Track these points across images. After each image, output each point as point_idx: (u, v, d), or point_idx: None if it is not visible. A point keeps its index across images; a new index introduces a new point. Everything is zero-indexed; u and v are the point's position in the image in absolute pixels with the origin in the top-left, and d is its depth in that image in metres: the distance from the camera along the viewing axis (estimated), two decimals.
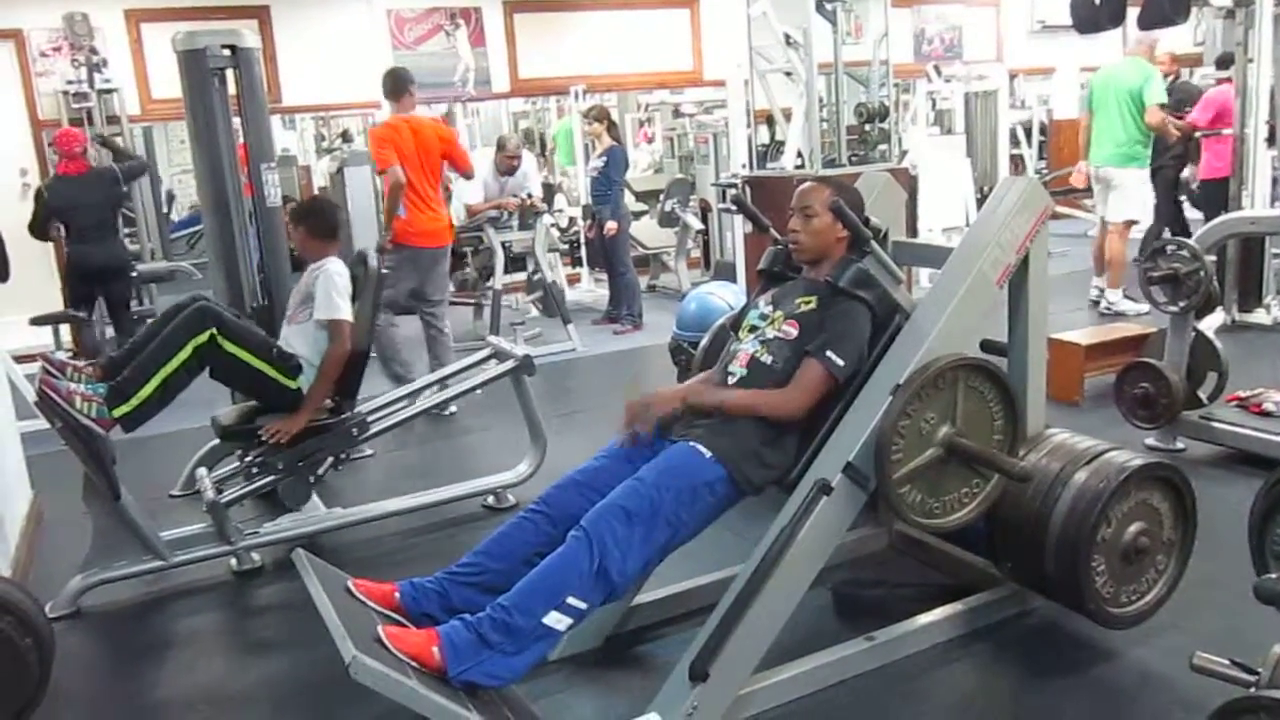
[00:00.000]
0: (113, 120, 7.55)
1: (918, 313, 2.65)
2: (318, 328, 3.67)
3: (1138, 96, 6.39)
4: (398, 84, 5.51)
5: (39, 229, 6.18)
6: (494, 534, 2.58)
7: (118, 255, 6.32)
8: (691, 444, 2.52)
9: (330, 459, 3.73)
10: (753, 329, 2.79)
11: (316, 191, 9.74)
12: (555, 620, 2.28)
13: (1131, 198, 6.59)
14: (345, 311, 3.68)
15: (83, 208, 6.12)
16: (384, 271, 3.94)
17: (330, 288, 3.68)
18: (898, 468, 2.44)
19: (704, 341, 3.44)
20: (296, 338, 3.71)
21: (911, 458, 2.47)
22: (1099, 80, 6.72)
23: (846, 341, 2.58)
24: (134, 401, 3.25)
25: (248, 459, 3.64)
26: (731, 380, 2.70)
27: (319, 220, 3.87)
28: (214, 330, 3.39)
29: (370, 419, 3.85)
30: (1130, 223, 6.69)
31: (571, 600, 2.28)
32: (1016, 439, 2.63)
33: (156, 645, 3.18)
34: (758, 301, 2.88)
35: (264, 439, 3.56)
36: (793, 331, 2.66)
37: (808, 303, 2.69)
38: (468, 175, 6.20)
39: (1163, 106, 6.48)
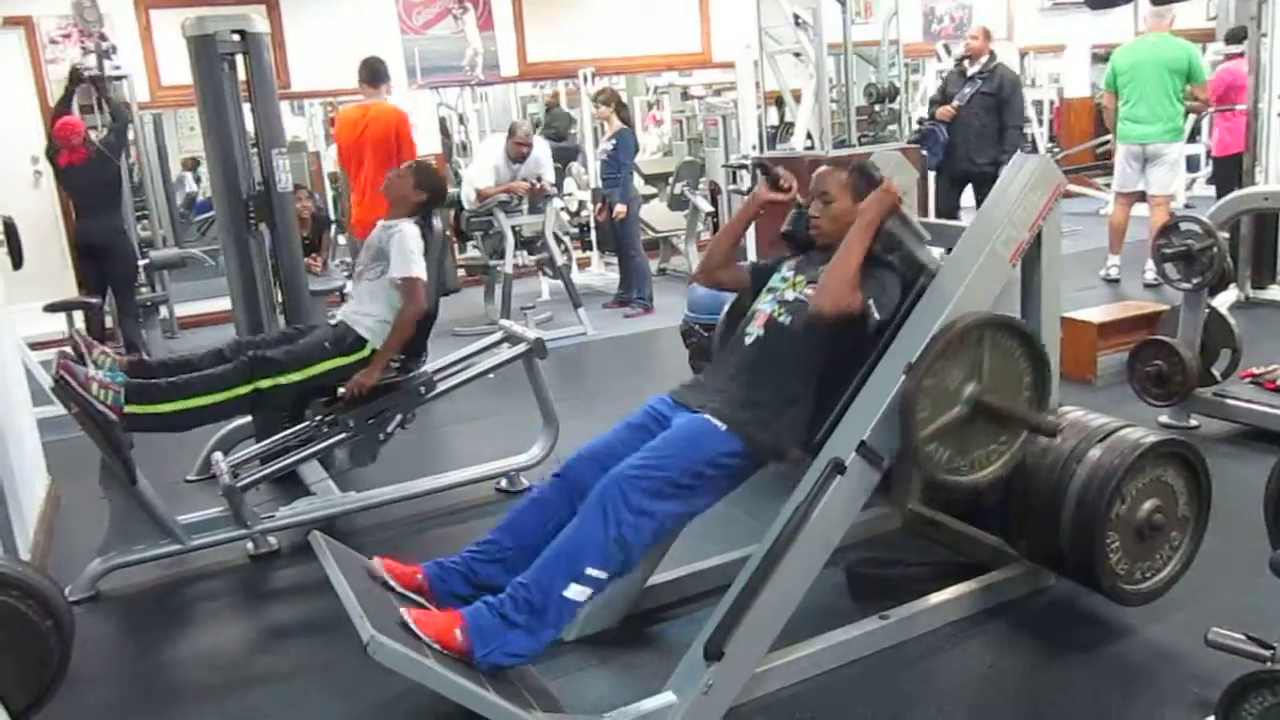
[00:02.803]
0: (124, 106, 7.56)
1: (929, 294, 2.64)
2: (392, 285, 3.71)
3: (1183, 72, 6.46)
4: (375, 74, 5.71)
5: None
6: (513, 511, 2.60)
7: (113, 228, 6.39)
8: (706, 416, 2.53)
9: (399, 417, 3.77)
10: (771, 290, 2.78)
11: (326, 178, 9.79)
12: (576, 592, 2.30)
13: (1179, 171, 6.72)
14: (421, 270, 3.72)
15: (87, 189, 6.25)
16: (447, 234, 4.00)
17: (406, 246, 3.72)
18: (925, 425, 2.44)
19: (720, 325, 3.42)
20: (366, 295, 3.76)
21: (938, 415, 2.47)
22: (1131, 58, 6.65)
23: (883, 298, 2.57)
24: (150, 409, 3.25)
25: (319, 418, 3.68)
26: (748, 340, 2.68)
27: (429, 182, 3.93)
28: (258, 385, 3.41)
29: (436, 378, 3.89)
30: (1171, 196, 6.81)
31: (590, 571, 2.30)
32: (1045, 396, 2.62)
33: (175, 628, 3.21)
34: (781, 265, 2.86)
35: (346, 396, 3.61)
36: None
37: (836, 254, 2.65)
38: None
39: None
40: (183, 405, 3.31)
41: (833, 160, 2.92)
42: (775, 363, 2.61)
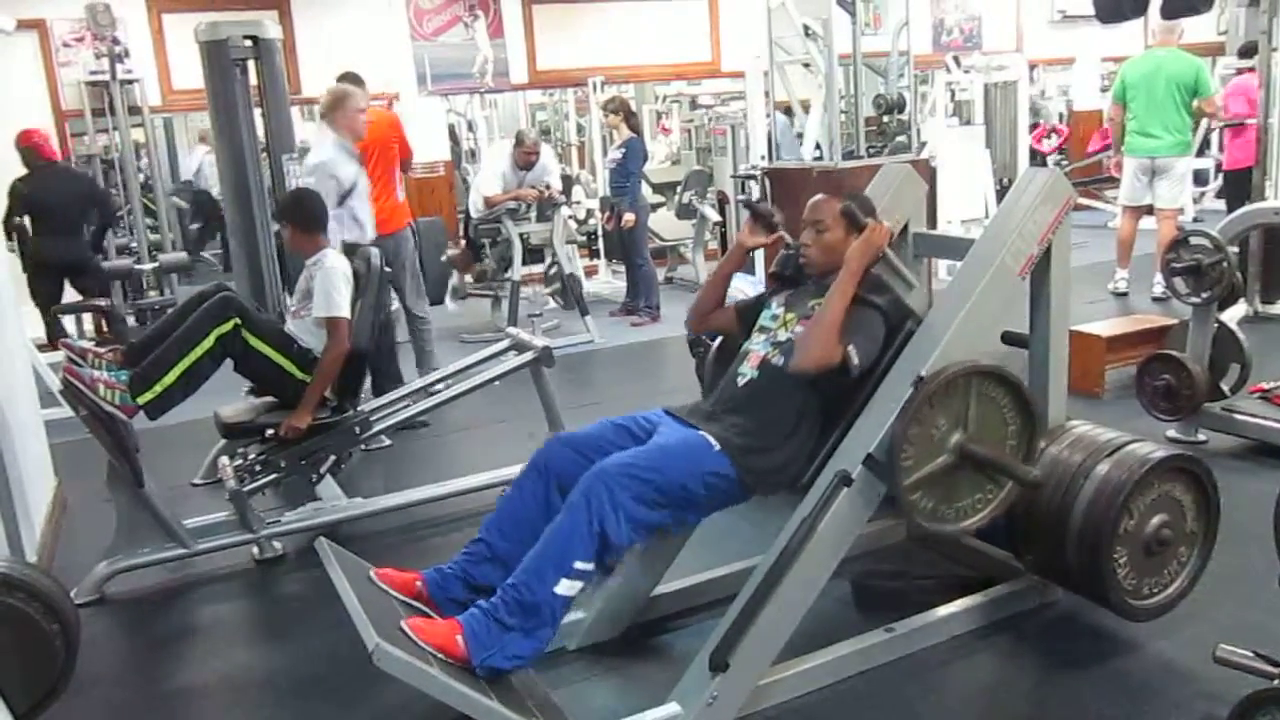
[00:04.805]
0: (134, 111, 7.60)
1: (937, 306, 2.64)
2: (317, 325, 3.67)
3: (1190, 86, 6.46)
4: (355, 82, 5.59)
5: (7, 225, 6.16)
6: (496, 507, 2.60)
7: (80, 253, 6.38)
8: (702, 434, 2.53)
9: (332, 458, 3.72)
10: (763, 329, 2.78)
11: None
12: (566, 588, 2.30)
13: (1187, 184, 6.71)
14: (344, 309, 3.65)
15: (51, 202, 6.16)
16: (386, 270, 3.93)
17: (329, 284, 3.65)
18: (909, 474, 2.43)
19: (709, 361, 3.41)
20: (305, 332, 3.72)
21: (923, 464, 2.46)
22: (1139, 71, 6.62)
23: (864, 342, 2.56)
24: (157, 389, 3.27)
25: (250, 457, 3.63)
26: (741, 381, 2.68)
27: (303, 213, 3.84)
28: (237, 320, 3.41)
29: (373, 417, 3.85)
30: (1179, 209, 6.84)
31: (579, 565, 2.30)
32: (1033, 443, 2.61)
33: (180, 632, 3.21)
34: (770, 302, 2.87)
35: (278, 435, 3.54)
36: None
37: (821, 305, 2.67)
38: (404, 164, 5.96)
39: None
40: (180, 369, 3.31)
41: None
42: (770, 402, 2.61)
